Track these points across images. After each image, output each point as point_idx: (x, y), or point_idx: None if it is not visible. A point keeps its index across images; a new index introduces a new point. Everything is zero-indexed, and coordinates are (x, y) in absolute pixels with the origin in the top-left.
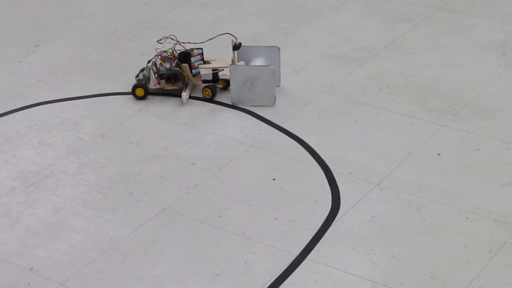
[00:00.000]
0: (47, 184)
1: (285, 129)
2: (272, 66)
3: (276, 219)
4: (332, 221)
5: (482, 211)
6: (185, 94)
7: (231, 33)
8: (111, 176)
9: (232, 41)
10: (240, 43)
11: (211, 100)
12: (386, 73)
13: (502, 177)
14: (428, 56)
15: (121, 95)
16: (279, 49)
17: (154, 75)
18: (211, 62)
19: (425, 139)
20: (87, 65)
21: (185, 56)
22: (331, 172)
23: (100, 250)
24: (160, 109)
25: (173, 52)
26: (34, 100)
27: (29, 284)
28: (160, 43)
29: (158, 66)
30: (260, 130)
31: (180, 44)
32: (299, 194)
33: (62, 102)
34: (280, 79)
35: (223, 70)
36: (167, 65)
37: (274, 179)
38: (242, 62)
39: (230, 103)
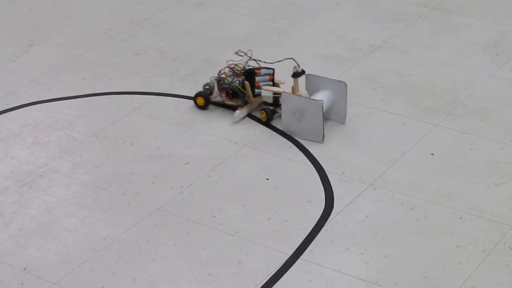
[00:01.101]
0: (41, 184)
1: (279, 129)
2: (321, 101)
3: (269, 218)
4: (326, 221)
5: (476, 211)
6: (239, 112)
7: (294, 58)
8: (105, 176)
9: (294, 67)
10: (302, 71)
11: (267, 123)
12: (379, 72)
13: (495, 177)
14: (421, 55)
15: (115, 95)
16: (345, 84)
17: (218, 86)
18: (280, 85)
19: (419, 139)
20: (80, 64)
21: (250, 74)
22: (325, 172)
23: (93, 249)
24: (153, 109)
25: (243, 68)
26: (28, 99)
27: (22, 284)
28: (240, 55)
29: (223, 78)
30: (254, 129)
31: (256, 61)
32: (292, 194)
33: (56, 102)
34: (345, 116)
35: None
36: (230, 79)
37: (267, 179)
38: (305, 92)
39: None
